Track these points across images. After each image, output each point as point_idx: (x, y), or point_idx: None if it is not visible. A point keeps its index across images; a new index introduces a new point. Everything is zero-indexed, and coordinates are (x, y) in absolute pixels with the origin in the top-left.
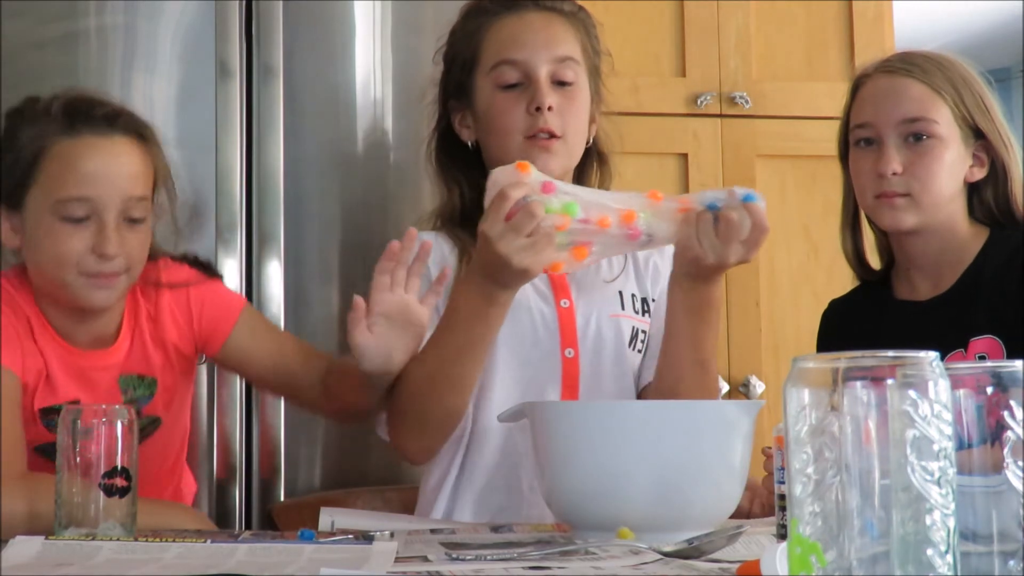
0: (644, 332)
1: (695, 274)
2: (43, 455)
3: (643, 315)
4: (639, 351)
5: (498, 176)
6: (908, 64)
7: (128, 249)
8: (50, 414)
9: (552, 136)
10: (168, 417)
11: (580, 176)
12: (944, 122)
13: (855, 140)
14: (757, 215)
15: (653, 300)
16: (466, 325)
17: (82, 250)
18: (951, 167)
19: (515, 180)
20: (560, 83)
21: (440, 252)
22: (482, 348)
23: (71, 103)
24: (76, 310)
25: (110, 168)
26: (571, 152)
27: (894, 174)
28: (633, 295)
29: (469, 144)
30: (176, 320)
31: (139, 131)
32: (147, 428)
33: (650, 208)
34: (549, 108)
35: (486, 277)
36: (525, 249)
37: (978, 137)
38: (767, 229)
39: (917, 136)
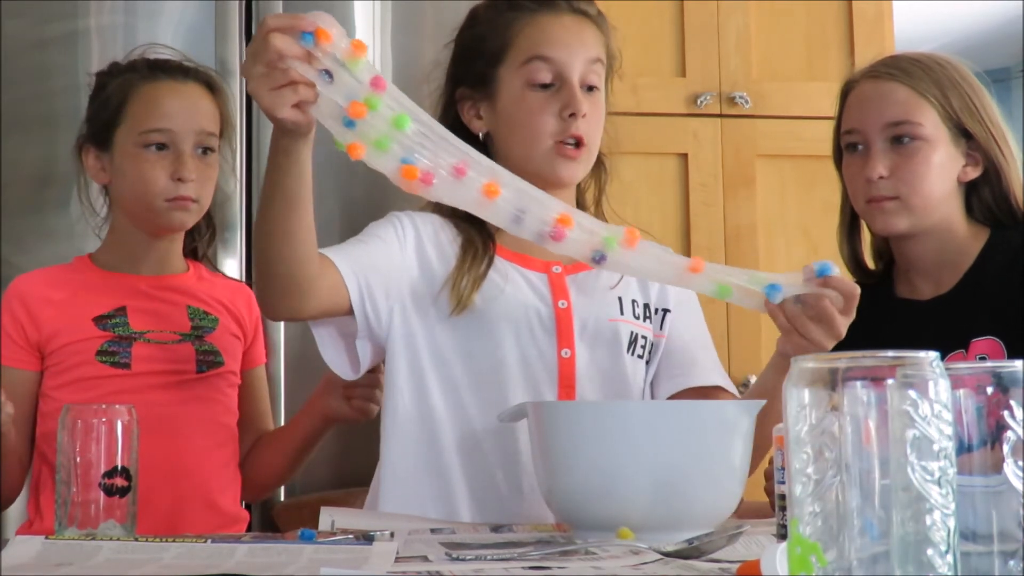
0: (645, 338)
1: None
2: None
3: (644, 320)
4: (639, 356)
5: (314, 16)
6: (893, 68)
7: (200, 177)
8: (103, 319)
9: (579, 144)
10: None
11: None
12: (930, 124)
13: (845, 145)
14: (845, 287)
15: (667, 311)
16: (268, 171)
17: (164, 177)
18: (940, 168)
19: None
20: (589, 88)
21: (438, 240)
22: (281, 197)
23: (152, 59)
24: (153, 234)
25: (185, 106)
26: (591, 160)
27: (881, 178)
28: (634, 300)
29: (480, 136)
30: (243, 320)
31: (209, 81)
32: (209, 356)
33: (623, 240)
34: (583, 115)
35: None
36: (260, 78)
37: (969, 137)
38: (856, 293)
39: (902, 139)
